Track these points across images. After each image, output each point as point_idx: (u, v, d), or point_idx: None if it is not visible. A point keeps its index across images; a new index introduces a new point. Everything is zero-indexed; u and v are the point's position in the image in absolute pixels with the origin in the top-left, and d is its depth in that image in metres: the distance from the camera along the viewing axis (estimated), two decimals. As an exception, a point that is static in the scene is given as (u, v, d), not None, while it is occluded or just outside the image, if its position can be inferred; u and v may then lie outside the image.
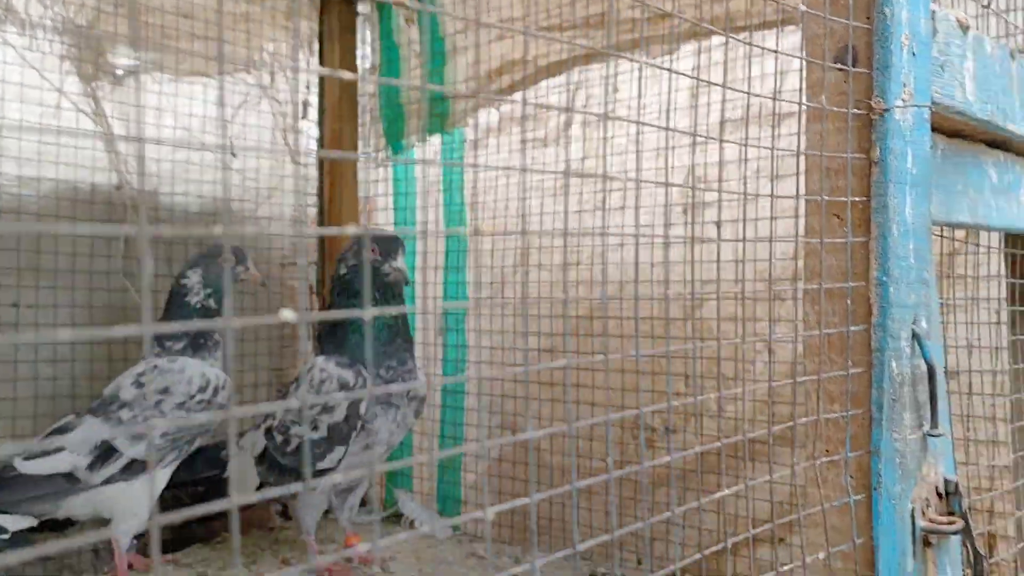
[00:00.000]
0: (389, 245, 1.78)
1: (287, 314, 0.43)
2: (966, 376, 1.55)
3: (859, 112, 0.87)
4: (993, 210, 1.11)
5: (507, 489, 2.04)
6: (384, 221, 2.31)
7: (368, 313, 0.47)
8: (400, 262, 1.76)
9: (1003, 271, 1.42)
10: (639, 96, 1.85)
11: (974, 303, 1.56)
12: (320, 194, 2.29)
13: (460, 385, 2.21)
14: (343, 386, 1.74)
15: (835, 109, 0.86)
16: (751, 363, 1.79)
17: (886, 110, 0.86)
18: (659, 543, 1.86)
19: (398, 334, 1.80)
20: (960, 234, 1.57)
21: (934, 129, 1.05)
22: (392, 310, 1.54)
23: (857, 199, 0.88)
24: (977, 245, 1.55)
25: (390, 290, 1.78)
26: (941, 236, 1.55)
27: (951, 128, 1.07)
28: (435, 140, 2.24)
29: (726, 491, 0.79)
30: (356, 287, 1.77)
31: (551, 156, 2.04)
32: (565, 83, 1.99)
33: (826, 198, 0.87)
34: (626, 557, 1.90)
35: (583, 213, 1.94)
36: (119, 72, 2.05)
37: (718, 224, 1.78)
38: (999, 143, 1.15)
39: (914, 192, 0.91)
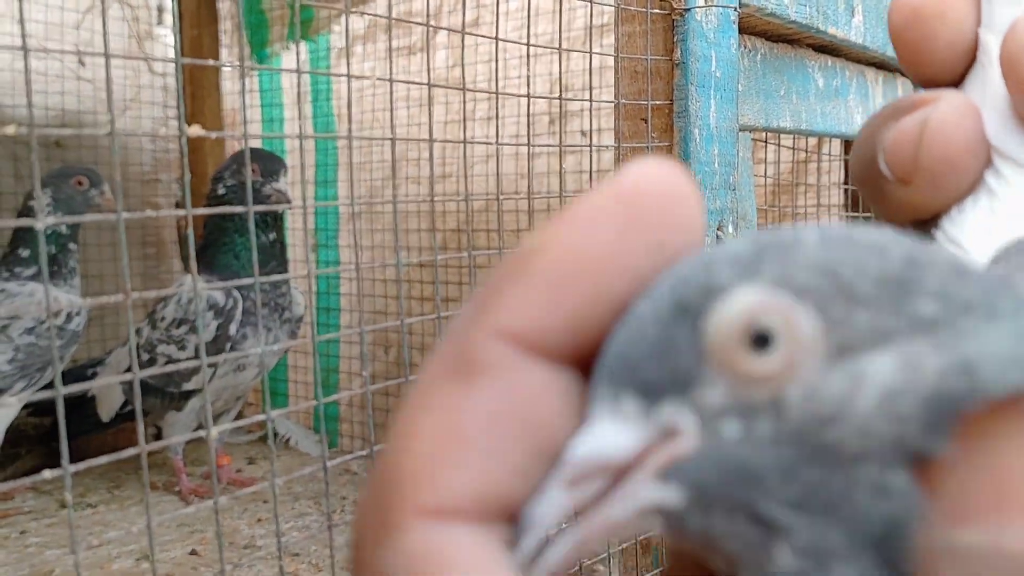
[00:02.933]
0: (271, 165, 1.71)
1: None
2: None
3: (662, 12, 0.85)
4: (818, 115, 1.10)
5: (380, 404, 2.03)
6: (253, 133, 2.22)
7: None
8: (282, 183, 1.71)
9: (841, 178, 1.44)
10: (504, 1, 1.79)
11: (824, 210, 1.58)
12: (181, 106, 2.17)
13: (335, 301, 2.17)
14: (213, 307, 1.70)
15: (634, 9, 0.83)
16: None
17: (687, 10, 0.84)
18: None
19: (273, 257, 1.75)
20: (812, 143, 1.58)
21: (756, 33, 1.03)
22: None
23: (659, 103, 0.86)
24: (828, 155, 1.57)
25: (270, 212, 1.72)
26: (794, 148, 1.55)
27: (775, 32, 1.05)
28: (301, 48, 2.14)
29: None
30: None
31: (418, 64, 1.97)
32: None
33: (623, 101, 0.85)
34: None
35: (449, 124, 1.89)
36: (-51, -27, 1.89)
37: (584, 133, 1.76)
38: (827, 48, 1.14)
39: (719, 96, 0.89)
